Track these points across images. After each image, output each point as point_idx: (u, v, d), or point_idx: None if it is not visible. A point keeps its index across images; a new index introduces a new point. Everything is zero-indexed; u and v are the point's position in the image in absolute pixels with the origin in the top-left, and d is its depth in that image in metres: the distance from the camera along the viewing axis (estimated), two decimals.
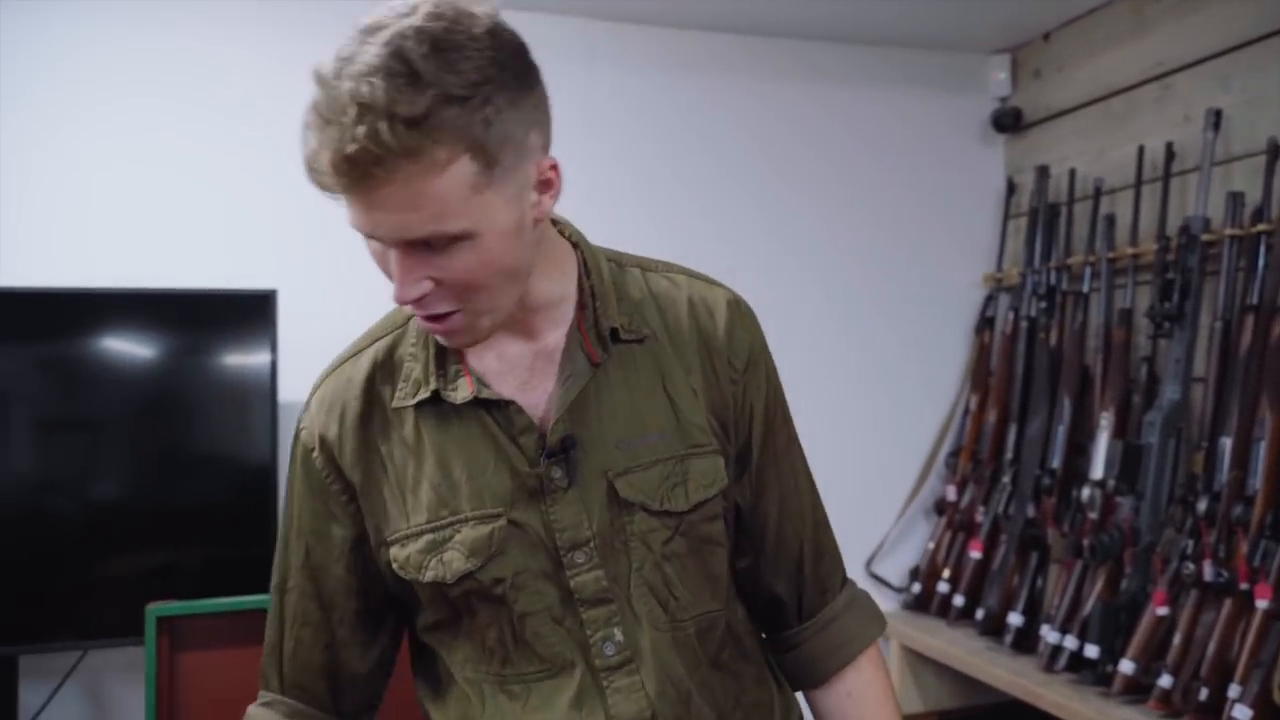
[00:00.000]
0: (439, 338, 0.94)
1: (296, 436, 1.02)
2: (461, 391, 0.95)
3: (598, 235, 1.12)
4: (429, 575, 0.95)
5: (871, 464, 2.72)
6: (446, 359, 0.97)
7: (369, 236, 0.85)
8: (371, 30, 0.79)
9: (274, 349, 2.01)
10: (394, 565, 0.96)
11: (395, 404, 0.97)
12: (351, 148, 0.76)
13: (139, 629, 1.60)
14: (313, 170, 0.80)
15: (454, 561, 0.94)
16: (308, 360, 2.16)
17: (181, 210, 2.22)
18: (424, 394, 0.96)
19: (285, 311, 2.04)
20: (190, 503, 2.01)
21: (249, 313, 2.01)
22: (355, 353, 1.01)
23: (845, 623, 1.08)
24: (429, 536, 0.95)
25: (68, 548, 1.93)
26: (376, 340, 1.01)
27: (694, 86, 2.59)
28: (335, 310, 2.24)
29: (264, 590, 1.91)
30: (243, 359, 2.04)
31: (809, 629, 1.08)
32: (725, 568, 1.03)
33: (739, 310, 1.04)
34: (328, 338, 2.25)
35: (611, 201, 2.50)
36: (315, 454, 0.99)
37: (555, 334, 0.97)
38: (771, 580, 1.07)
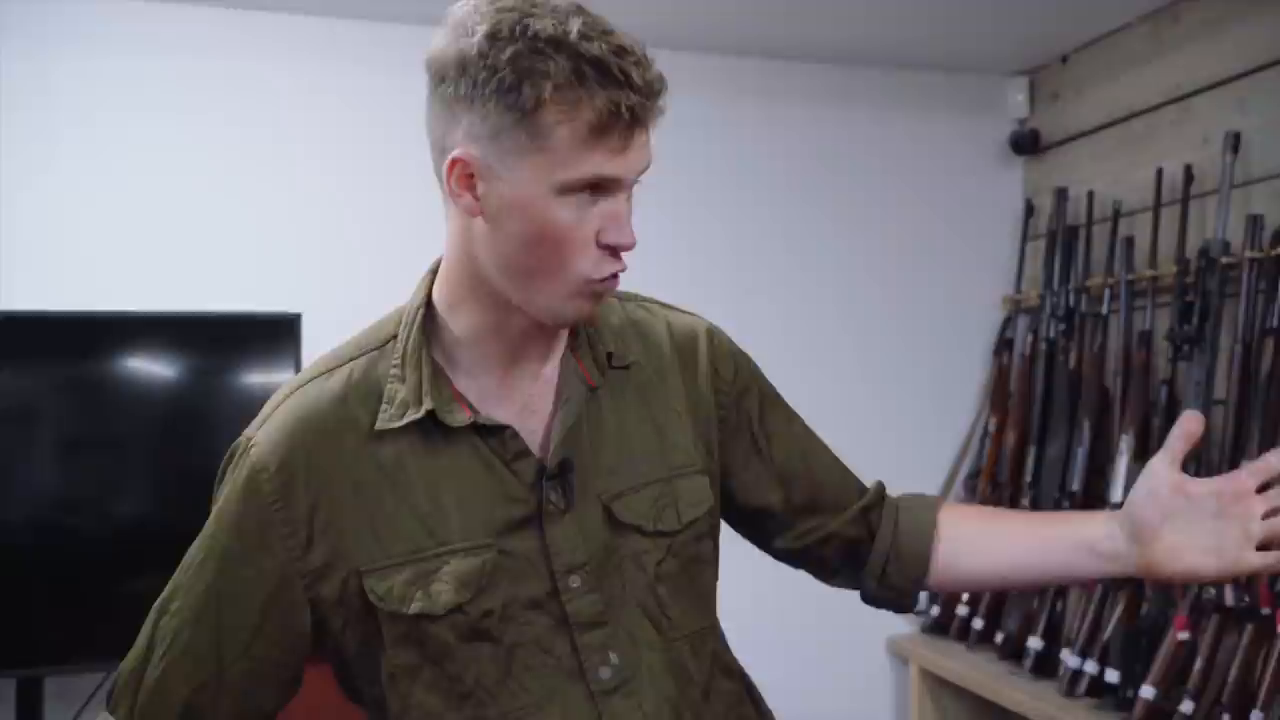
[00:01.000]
0: (587, 304, 0.92)
1: (243, 452, 0.95)
2: (458, 415, 0.94)
3: None
4: (414, 608, 0.92)
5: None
6: (440, 383, 0.95)
7: (616, 188, 0.88)
8: (533, 12, 0.85)
9: (298, 371, 2.03)
10: (372, 597, 0.92)
11: (379, 426, 0.93)
12: (652, 73, 0.87)
13: None
14: (615, 122, 0.84)
15: (443, 594, 0.92)
16: None
17: (208, 233, 2.25)
18: (414, 415, 0.93)
19: (310, 334, 2.06)
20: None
21: (274, 335, 2.04)
22: (325, 371, 0.98)
23: (905, 500, 1.16)
24: (414, 567, 0.92)
25: (92, 568, 1.95)
26: (349, 361, 0.97)
27: (714, 109, 2.60)
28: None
29: None
30: (267, 381, 2.06)
31: (885, 526, 1.13)
32: (713, 585, 1.07)
33: (716, 338, 1.11)
34: None
35: (633, 222, 2.51)
36: (266, 475, 0.93)
37: (551, 361, 0.99)
38: (837, 494, 1.13)
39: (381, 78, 2.38)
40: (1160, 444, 2.13)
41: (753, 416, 1.10)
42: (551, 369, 0.99)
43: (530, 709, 0.94)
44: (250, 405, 2.03)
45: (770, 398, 1.14)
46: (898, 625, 2.68)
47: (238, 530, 0.94)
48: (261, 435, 0.95)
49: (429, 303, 0.98)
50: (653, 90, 0.86)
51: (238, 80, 2.29)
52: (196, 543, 0.96)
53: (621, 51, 0.85)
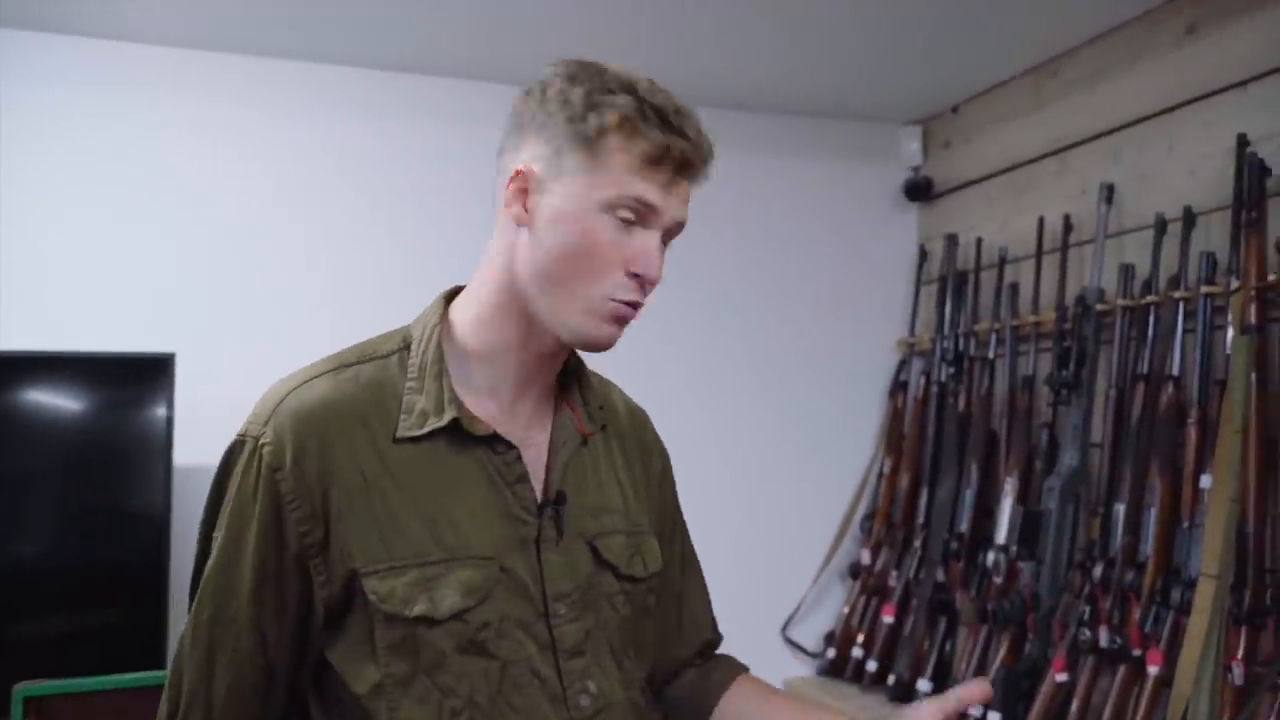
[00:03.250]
0: (608, 325, 0.97)
1: (253, 453, 0.93)
2: (479, 426, 0.96)
3: None
4: (416, 610, 0.91)
5: (789, 527, 2.72)
6: (456, 397, 0.97)
7: (654, 222, 0.96)
8: (609, 70, 0.96)
9: (170, 409, 1.98)
10: (373, 597, 0.91)
11: (401, 434, 0.94)
12: (704, 136, 0.97)
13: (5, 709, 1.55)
14: (664, 158, 0.94)
15: (446, 599, 0.92)
16: (203, 424, 2.13)
17: (81, 273, 2.19)
18: (437, 423, 0.95)
19: (183, 374, 2.01)
20: (82, 567, 1.96)
21: (148, 375, 1.98)
22: (331, 369, 0.98)
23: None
24: (417, 572, 0.92)
25: None
26: (355, 364, 0.98)
27: None
28: (231, 373, 2.22)
29: (149, 664, 1.86)
30: (140, 421, 2.00)
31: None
32: (651, 640, 1.10)
33: (649, 419, 1.19)
34: (223, 400, 2.23)
35: None
36: (282, 474, 0.91)
37: (545, 400, 1.03)
38: (678, 651, 1.16)
39: (257, 114, 2.35)
40: (1041, 487, 2.18)
41: (665, 527, 1.16)
42: (546, 409, 1.03)
43: None
44: (124, 443, 2.00)
45: (678, 509, 1.19)
46: (794, 668, 2.68)
47: (263, 535, 0.92)
48: (270, 434, 0.93)
49: (443, 323, 1.01)
50: (703, 146, 0.96)
51: (112, 116, 2.24)
52: (221, 549, 0.93)
53: (680, 111, 0.95)
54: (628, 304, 0.96)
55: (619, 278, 0.95)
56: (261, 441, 0.92)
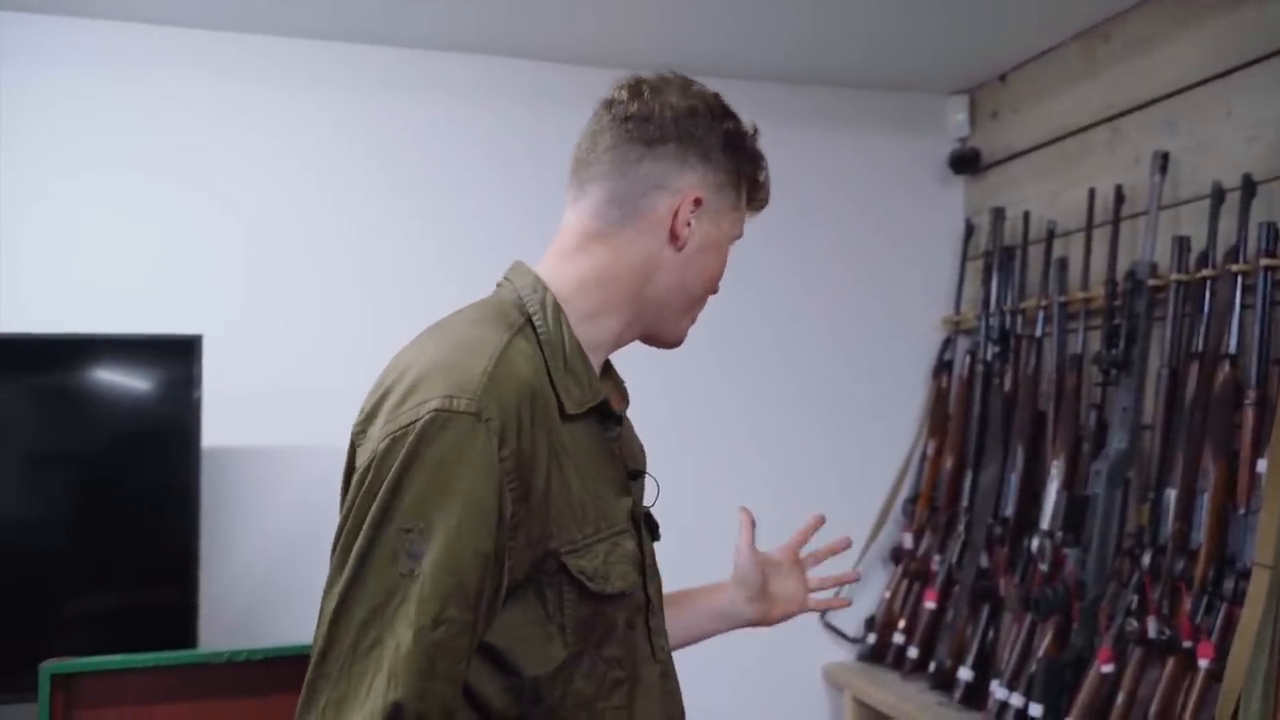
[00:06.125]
0: (674, 341, 1.09)
1: (476, 428, 0.85)
2: (617, 404, 1.03)
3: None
4: (616, 586, 0.94)
5: (829, 510, 2.60)
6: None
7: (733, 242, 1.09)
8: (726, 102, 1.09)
9: (198, 391, 1.97)
10: (581, 576, 0.91)
11: (572, 410, 0.95)
12: None
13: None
14: (767, 196, 1.11)
15: (627, 574, 0.96)
16: (232, 405, 2.14)
17: (108, 254, 2.20)
18: (592, 401, 0.97)
19: (211, 356, 2.00)
20: (113, 548, 1.97)
21: (175, 357, 1.98)
22: (509, 333, 0.93)
23: None
24: (601, 547, 0.94)
25: None
26: (516, 333, 0.94)
27: None
28: (260, 355, 2.23)
29: (178, 644, 1.87)
30: (169, 403, 2.00)
31: None
32: None
33: None
34: (252, 382, 2.24)
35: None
36: (506, 453, 0.86)
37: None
38: None
39: (284, 94, 2.34)
40: (1088, 470, 2.08)
41: None
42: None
43: (640, 695, 0.97)
44: (153, 425, 2.00)
45: None
46: (834, 653, 2.63)
47: (494, 523, 0.86)
48: (494, 407, 0.86)
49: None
50: None
51: (137, 97, 2.24)
52: (443, 542, 0.83)
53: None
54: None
55: None
56: (485, 416, 0.85)
